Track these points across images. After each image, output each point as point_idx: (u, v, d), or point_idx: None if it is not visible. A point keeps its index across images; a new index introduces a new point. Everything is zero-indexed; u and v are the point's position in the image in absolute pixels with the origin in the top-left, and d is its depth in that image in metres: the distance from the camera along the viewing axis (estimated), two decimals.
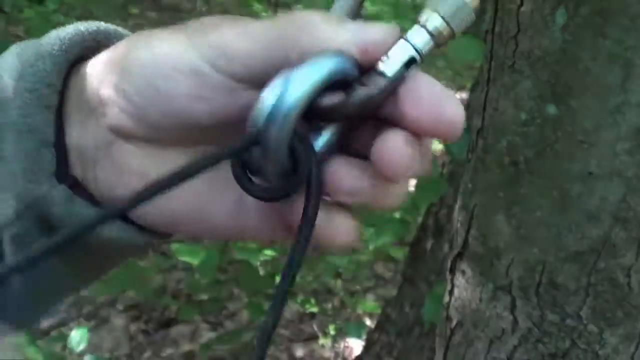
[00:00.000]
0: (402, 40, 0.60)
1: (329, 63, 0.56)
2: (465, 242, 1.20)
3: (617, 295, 1.09)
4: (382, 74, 0.58)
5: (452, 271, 1.25)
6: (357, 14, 0.64)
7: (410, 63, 0.58)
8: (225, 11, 7.90)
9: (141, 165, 0.52)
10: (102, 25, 0.58)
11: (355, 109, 0.58)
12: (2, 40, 4.01)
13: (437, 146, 3.29)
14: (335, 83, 0.56)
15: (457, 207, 1.24)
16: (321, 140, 0.58)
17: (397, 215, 2.93)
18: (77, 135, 0.54)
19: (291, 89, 0.54)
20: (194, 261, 2.80)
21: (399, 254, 3.53)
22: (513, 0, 1.04)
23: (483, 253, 1.17)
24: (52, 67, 0.53)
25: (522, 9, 1.03)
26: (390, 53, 0.59)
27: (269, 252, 3.29)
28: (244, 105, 0.50)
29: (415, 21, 0.62)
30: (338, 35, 0.52)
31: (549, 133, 1.04)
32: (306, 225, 0.52)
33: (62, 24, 0.58)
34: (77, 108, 0.54)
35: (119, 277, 2.86)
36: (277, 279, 3.16)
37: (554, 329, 1.12)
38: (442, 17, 0.60)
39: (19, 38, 5.21)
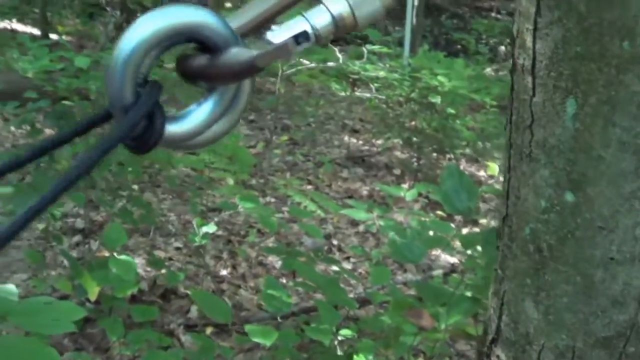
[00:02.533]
0: (301, 16, 0.61)
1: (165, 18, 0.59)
2: (498, 328, 1.20)
3: None
4: (267, 42, 0.61)
5: (488, 357, 1.25)
6: None
7: (301, 37, 0.59)
8: (308, 91, 8.06)
9: None
10: None
11: (226, 70, 0.60)
12: None
13: None
14: (213, 44, 0.59)
15: (490, 293, 1.25)
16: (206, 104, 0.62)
17: (468, 293, 2.91)
18: None
19: (120, 46, 0.59)
20: (267, 342, 2.83)
21: (476, 331, 3.49)
22: (526, 90, 1.07)
23: (515, 339, 1.17)
24: None
25: (535, 99, 1.06)
26: (284, 24, 0.61)
27: (346, 332, 3.29)
28: None
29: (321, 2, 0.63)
30: None
31: (569, 220, 1.05)
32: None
33: None
34: None
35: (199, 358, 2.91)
36: (356, 358, 3.15)
37: None
38: (349, 3, 0.61)
39: None
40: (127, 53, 0.58)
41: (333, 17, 0.61)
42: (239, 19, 0.63)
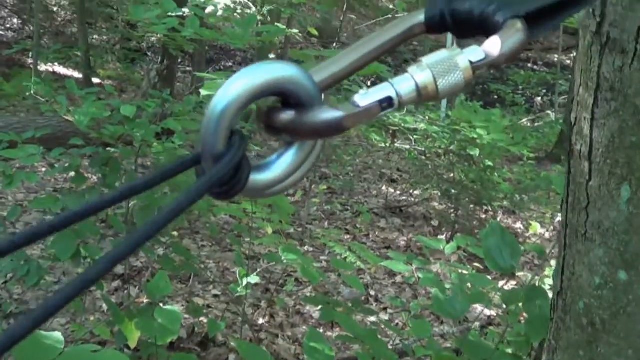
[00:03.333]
0: (387, 83, 0.63)
1: (260, 75, 0.61)
2: None
3: None
4: (353, 104, 0.62)
5: None
6: None
7: (385, 103, 0.62)
8: (346, 141, 8.14)
9: None
10: None
11: (312, 127, 0.62)
12: (131, 172, 4.26)
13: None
14: (297, 98, 0.62)
15: None
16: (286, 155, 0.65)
17: (509, 350, 2.94)
18: None
19: (217, 99, 0.61)
20: None
21: None
22: (583, 175, 1.13)
23: None
24: None
25: (591, 183, 1.12)
26: (371, 89, 0.63)
27: None
28: None
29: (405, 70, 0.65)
30: None
31: (621, 297, 1.11)
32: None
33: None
34: None
35: None
36: None
37: None
38: (433, 74, 0.64)
39: (144, 168, 5.48)
40: (223, 108, 0.60)
41: (417, 85, 0.63)
42: (320, 74, 0.66)
